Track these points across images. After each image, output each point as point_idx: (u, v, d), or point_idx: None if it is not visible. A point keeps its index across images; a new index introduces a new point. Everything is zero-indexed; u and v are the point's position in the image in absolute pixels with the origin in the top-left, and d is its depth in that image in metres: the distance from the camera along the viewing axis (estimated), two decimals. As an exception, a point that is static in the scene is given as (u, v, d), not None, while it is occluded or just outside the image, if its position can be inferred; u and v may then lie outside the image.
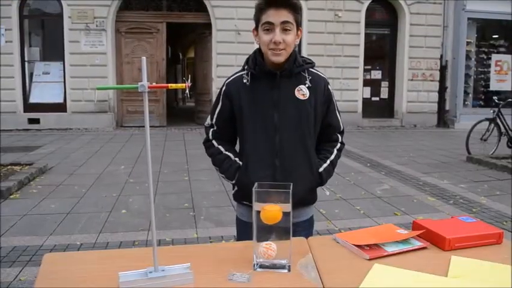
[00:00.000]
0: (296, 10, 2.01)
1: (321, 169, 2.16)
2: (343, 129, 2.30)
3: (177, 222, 5.07)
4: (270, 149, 2.09)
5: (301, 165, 2.12)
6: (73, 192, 6.21)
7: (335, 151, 2.24)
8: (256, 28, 2.06)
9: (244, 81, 2.11)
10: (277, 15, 1.96)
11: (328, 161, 2.20)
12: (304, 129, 2.11)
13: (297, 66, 2.11)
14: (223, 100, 2.16)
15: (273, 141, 2.08)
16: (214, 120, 2.20)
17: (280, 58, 2.03)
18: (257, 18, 2.04)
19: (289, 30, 1.99)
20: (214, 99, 13.30)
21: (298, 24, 2.03)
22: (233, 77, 2.17)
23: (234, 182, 2.17)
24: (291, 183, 1.56)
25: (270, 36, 1.99)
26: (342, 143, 2.29)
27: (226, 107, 2.15)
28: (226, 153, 2.17)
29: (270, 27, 1.98)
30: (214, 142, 2.20)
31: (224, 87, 2.16)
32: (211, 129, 2.21)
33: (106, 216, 5.26)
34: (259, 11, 2.02)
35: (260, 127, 2.08)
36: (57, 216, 5.22)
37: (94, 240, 4.51)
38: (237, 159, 2.14)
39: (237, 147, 2.26)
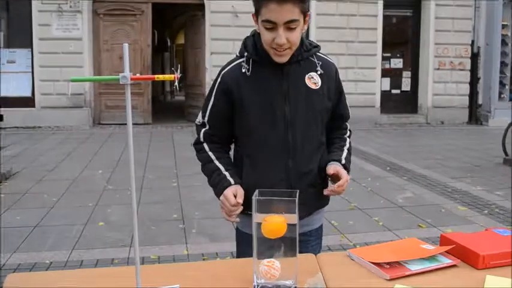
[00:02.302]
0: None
1: (342, 160, 2.16)
2: (349, 117, 2.38)
3: (164, 237, 5.05)
4: (282, 148, 2.08)
5: (315, 166, 2.14)
6: (42, 202, 6.20)
7: (347, 139, 2.31)
8: (256, 15, 2.02)
9: (243, 70, 2.08)
10: (280, 13, 1.90)
11: (345, 149, 2.24)
12: (318, 123, 2.13)
13: (305, 51, 2.11)
14: (218, 95, 2.13)
15: (286, 138, 2.08)
16: (206, 117, 2.17)
17: (284, 59, 2.03)
18: (256, 8, 2.00)
19: (295, 28, 1.96)
20: (207, 91, 13.32)
21: (305, 13, 1.99)
22: (230, 66, 2.14)
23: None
24: (297, 191, 1.55)
25: (271, 35, 1.96)
26: (350, 131, 2.37)
27: (222, 103, 2.12)
28: (217, 163, 2.14)
29: (271, 26, 1.94)
30: (205, 146, 2.18)
31: (219, 79, 2.13)
32: (203, 129, 2.19)
33: (80, 229, 5.24)
34: (258, 1, 1.96)
35: (269, 122, 2.07)
36: (23, 229, 5.20)
37: (66, 258, 4.49)
38: (227, 174, 2.10)
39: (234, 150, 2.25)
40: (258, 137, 2.09)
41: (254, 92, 2.07)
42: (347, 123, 2.35)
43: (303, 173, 2.10)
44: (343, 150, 2.22)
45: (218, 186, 2.09)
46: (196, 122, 2.24)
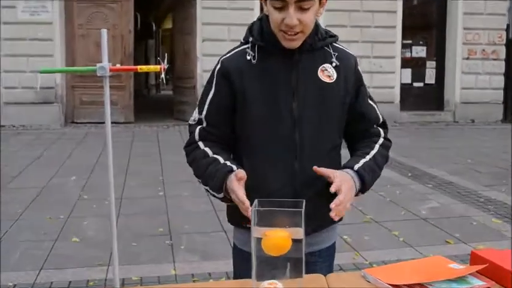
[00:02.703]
0: None
1: (356, 166, 2.05)
2: (383, 122, 2.28)
3: (148, 254, 5.04)
4: (287, 147, 2.07)
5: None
6: (5, 213, 6.18)
7: (377, 146, 2.20)
8: None
9: (248, 57, 2.08)
10: None
11: (367, 156, 2.13)
12: (331, 121, 2.12)
13: (319, 40, 2.10)
14: (219, 82, 2.11)
15: (292, 137, 2.07)
16: (204, 112, 2.14)
17: (294, 43, 2.02)
18: None
19: (308, 8, 1.94)
20: (199, 84, 13.19)
21: None
22: (231, 53, 2.14)
23: (221, 195, 2.03)
24: (303, 200, 1.54)
25: (281, 16, 1.95)
26: (387, 139, 2.25)
27: (223, 93, 2.10)
28: (215, 156, 2.06)
29: (281, 4, 1.93)
30: (200, 144, 2.13)
31: (219, 65, 2.12)
32: (199, 127, 2.15)
33: (50, 246, 5.22)
34: None
35: (273, 119, 2.07)
36: (-16, 245, 5.20)
37: (33, 279, 4.47)
38: (227, 162, 2.01)
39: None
40: (260, 135, 2.08)
41: (258, 83, 2.06)
42: (380, 129, 2.25)
43: (311, 178, 2.06)
44: (364, 157, 2.12)
45: (217, 174, 1.99)
46: (190, 121, 2.20)
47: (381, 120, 2.27)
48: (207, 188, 2.07)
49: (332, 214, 1.84)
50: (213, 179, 2.00)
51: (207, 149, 2.09)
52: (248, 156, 2.11)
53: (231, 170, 1.96)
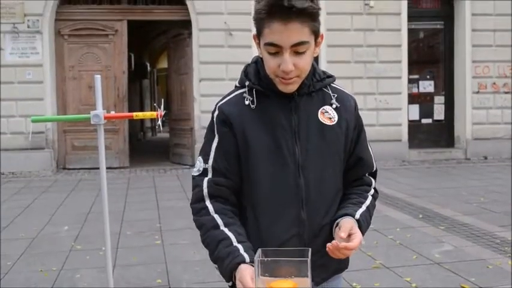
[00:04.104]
0: (313, 17, 1.95)
1: (357, 215, 2.10)
2: (375, 171, 2.33)
3: (145, 307, 5.01)
4: (293, 196, 2.07)
5: (330, 219, 2.12)
6: (-5, 266, 6.16)
7: (369, 197, 2.25)
8: (258, 37, 2.03)
9: (247, 102, 2.09)
10: (285, 34, 1.91)
11: (363, 206, 2.17)
12: (334, 165, 2.14)
13: (317, 81, 2.14)
14: (221, 129, 2.10)
15: (297, 184, 2.07)
16: (211, 161, 2.10)
17: (291, 87, 2.04)
18: (258, 29, 2.01)
19: (304, 52, 1.97)
20: (197, 125, 13.21)
21: (317, 33, 2.00)
22: (228, 97, 2.15)
23: (230, 284, 1.99)
24: (309, 249, 1.54)
25: (276, 61, 1.97)
26: (376, 191, 2.30)
27: (227, 139, 2.09)
28: (225, 230, 1.99)
29: (276, 50, 1.95)
30: (209, 206, 2.06)
31: (217, 112, 2.12)
32: (206, 179, 2.09)
33: (43, 300, 5.20)
34: (260, 20, 1.97)
35: (277, 166, 2.07)
36: (-28, 301, 5.17)
37: (25, 336, 4.45)
38: (239, 247, 1.94)
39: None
40: (264, 183, 2.07)
41: (260, 129, 2.07)
42: (371, 178, 2.30)
43: (319, 226, 2.09)
44: (360, 207, 2.16)
45: (227, 261, 1.92)
46: (193, 172, 2.15)
47: (374, 168, 2.31)
48: (215, 266, 2.04)
49: (330, 247, 1.90)
50: (222, 263, 1.95)
51: (217, 218, 2.03)
52: (253, 207, 2.10)
53: (243, 261, 1.88)
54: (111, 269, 4.29)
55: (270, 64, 1.99)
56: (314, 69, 2.12)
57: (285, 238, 2.04)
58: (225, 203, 2.07)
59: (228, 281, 1.95)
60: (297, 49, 1.93)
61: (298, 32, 1.91)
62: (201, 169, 2.10)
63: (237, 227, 2.03)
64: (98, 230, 6.73)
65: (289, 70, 1.95)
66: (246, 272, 1.80)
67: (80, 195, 10.30)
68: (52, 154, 13.07)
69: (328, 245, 1.91)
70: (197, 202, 2.09)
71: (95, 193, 9.88)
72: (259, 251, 1.56)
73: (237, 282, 1.83)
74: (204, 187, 2.07)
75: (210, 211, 2.04)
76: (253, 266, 1.76)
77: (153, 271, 5.96)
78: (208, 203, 2.05)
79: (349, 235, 1.95)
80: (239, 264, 1.86)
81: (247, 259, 1.87)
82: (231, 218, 2.05)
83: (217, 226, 2.01)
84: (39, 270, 6.02)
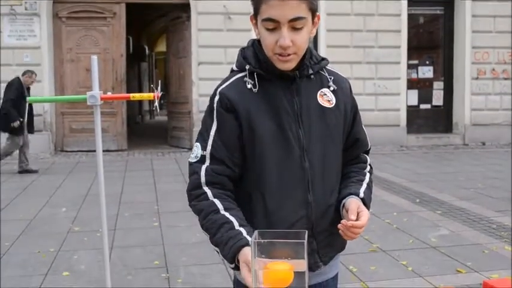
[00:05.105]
0: None
1: (361, 194, 2.13)
2: (370, 148, 2.37)
3: (143, 289, 5.04)
4: (299, 180, 2.08)
5: (334, 199, 2.15)
6: (-7, 248, 6.18)
7: (367, 174, 2.29)
8: (255, 16, 2.04)
9: (249, 86, 2.07)
10: (283, 9, 1.92)
11: (364, 184, 2.21)
12: (334, 148, 2.16)
13: (314, 63, 2.13)
14: (221, 115, 2.06)
15: (302, 167, 2.08)
16: (208, 148, 2.06)
17: (289, 65, 2.03)
18: (255, 7, 2.02)
19: (301, 27, 1.97)
20: (195, 109, 13.18)
21: (314, 11, 2.01)
22: (228, 82, 2.12)
23: (233, 265, 1.94)
24: (305, 231, 1.55)
25: (274, 37, 1.97)
26: (371, 166, 2.35)
27: (228, 126, 2.05)
28: (226, 214, 1.98)
29: (274, 25, 1.96)
30: (208, 191, 2.03)
31: (217, 97, 2.08)
32: (204, 166, 2.06)
33: (40, 280, 5.20)
34: None
35: (283, 150, 2.06)
36: (-30, 282, 5.18)
37: (23, 316, 4.47)
38: (242, 230, 1.93)
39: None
40: (271, 169, 2.06)
41: (264, 112, 2.05)
42: (367, 156, 2.34)
43: (326, 207, 2.10)
44: (361, 185, 2.20)
45: (230, 243, 1.91)
46: (190, 159, 2.11)
47: (369, 146, 2.36)
48: (216, 249, 2.01)
49: (341, 227, 1.93)
50: (225, 246, 1.93)
51: (217, 202, 2.01)
52: (261, 192, 2.07)
53: (247, 244, 1.86)
54: (109, 250, 4.30)
55: (268, 41, 1.99)
56: (311, 52, 2.12)
57: (293, 220, 2.04)
58: (223, 189, 2.05)
59: (231, 263, 1.92)
60: (294, 24, 1.94)
61: (295, 7, 1.92)
62: (199, 156, 2.07)
63: (237, 212, 2.01)
64: (96, 212, 6.75)
65: (286, 45, 1.94)
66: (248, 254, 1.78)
67: (78, 177, 10.32)
68: (50, 136, 13.06)
69: (339, 226, 1.95)
70: (194, 189, 2.06)
71: (92, 175, 9.86)
72: (255, 232, 1.56)
73: (242, 264, 1.82)
74: (201, 175, 2.04)
75: (209, 196, 2.01)
76: None
77: (150, 253, 5.97)
78: (206, 189, 2.03)
79: (357, 213, 1.98)
80: (243, 246, 1.85)
81: (250, 240, 1.82)
82: (231, 202, 2.03)
83: (217, 210, 1.98)
84: (37, 252, 6.03)
